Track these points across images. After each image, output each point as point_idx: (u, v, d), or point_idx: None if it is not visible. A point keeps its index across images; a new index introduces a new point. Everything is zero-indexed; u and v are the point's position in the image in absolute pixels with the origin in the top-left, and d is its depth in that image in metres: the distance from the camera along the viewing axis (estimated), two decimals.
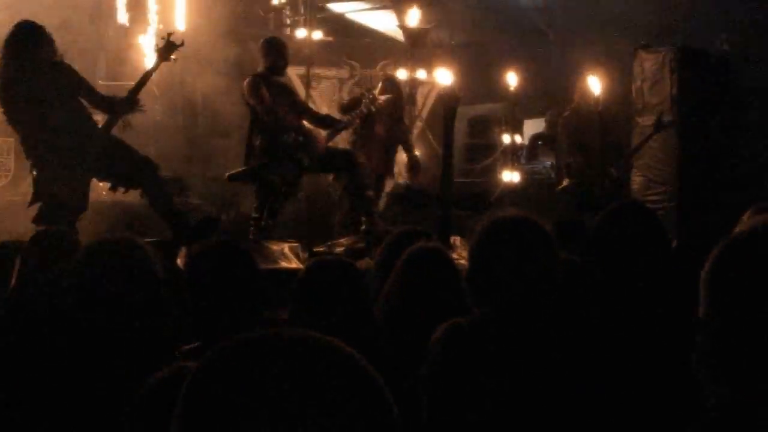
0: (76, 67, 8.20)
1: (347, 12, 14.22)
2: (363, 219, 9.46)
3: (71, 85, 7.95)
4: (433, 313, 3.65)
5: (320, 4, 13.78)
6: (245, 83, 9.34)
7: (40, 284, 4.30)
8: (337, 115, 10.19)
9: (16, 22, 7.98)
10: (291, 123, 9.34)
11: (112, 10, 12.35)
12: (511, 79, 11.95)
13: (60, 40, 8.17)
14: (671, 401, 3.09)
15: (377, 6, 14.04)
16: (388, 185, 10.67)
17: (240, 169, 9.45)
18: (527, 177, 12.85)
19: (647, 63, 12.41)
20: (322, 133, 9.66)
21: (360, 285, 3.88)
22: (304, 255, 8.85)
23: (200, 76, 11.68)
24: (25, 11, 8.90)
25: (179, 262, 7.37)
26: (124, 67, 11.52)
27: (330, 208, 10.85)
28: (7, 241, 7.08)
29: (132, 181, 8.13)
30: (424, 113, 13.09)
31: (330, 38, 13.38)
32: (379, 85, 9.90)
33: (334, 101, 11.86)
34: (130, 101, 8.09)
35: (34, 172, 7.94)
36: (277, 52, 9.43)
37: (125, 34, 12.32)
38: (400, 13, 12.82)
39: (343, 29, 13.93)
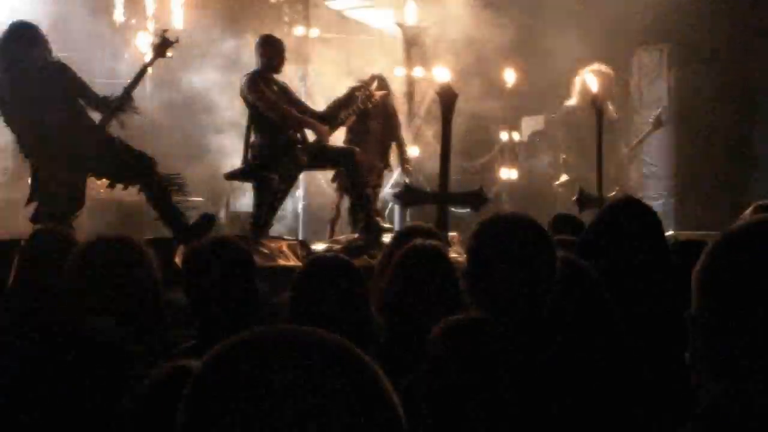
0: (73, 65, 8.19)
1: (345, 9, 14.20)
2: (361, 216, 9.45)
3: (67, 84, 7.94)
4: (430, 310, 3.65)
5: (317, 2, 13.77)
6: (243, 81, 9.33)
7: (37, 282, 4.30)
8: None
9: (10, 23, 7.97)
10: (290, 118, 9.34)
11: (109, 8, 12.34)
12: (509, 76, 11.95)
13: (57, 38, 8.16)
14: (669, 398, 3.09)
15: (375, 3, 14.03)
16: (389, 178, 10.65)
17: (237, 168, 9.45)
18: (525, 174, 12.86)
19: (645, 60, 12.43)
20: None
21: (358, 282, 3.88)
22: (302, 253, 8.85)
23: (197, 73, 11.67)
24: (23, 9, 8.90)
25: (177, 260, 7.37)
26: (122, 64, 11.52)
27: (328, 205, 10.85)
28: (6, 240, 7.10)
29: (130, 179, 8.13)
30: (422, 111, 13.08)
31: (328, 35, 13.37)
32: (375, 83, 9.90)
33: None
34: (125, 98, 8.09)
35: (31, 172, 7.94)
36: (274, 50, 9.42)
37: (122, 31, 12.31)
38: (397, 11, 12.82)
39: (340, 26, 13.91)
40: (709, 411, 1.81)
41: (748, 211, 5.91)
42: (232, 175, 9.58)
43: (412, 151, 11.71)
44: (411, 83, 12.39)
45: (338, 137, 10.20)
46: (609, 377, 3.15)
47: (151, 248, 3.54)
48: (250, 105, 9.32)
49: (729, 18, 11.83)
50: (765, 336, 1.76)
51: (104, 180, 8.35)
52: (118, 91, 8.21)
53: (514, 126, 13.28)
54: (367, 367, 1.27)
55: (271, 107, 9.19)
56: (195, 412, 1.26)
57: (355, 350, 1.28)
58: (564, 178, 12.09)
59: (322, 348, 1.26)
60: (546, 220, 5.37)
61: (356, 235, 9.44)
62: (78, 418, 3.14)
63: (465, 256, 3.30)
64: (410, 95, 12.39)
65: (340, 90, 10.11)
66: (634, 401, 3.16)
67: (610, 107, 12.08)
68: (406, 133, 11.59)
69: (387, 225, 9.49)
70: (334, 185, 10.35)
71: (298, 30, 13.17)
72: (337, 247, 9.12)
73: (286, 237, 9.35)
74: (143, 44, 11.51)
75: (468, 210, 8.76)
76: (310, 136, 9.57)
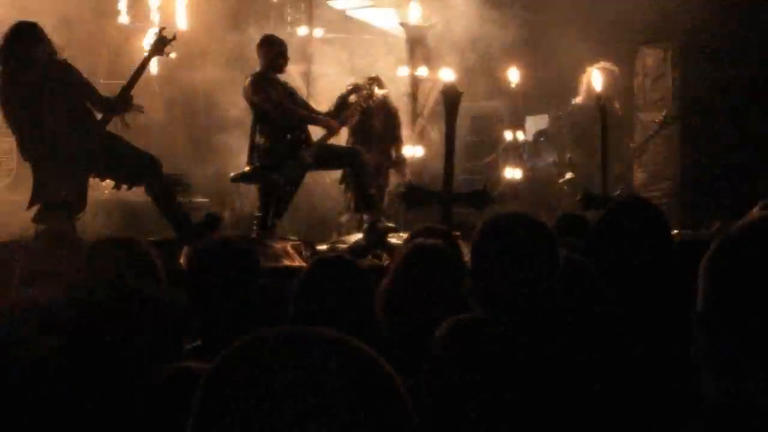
0: (78, 65, 8.20)
1: (348, 9, 14.20)
2: (365, 217, 9.45)
3: (72, 83, 7.95)
4: (432, 310, 3.65)
5: (320, 2, 13.77)
6: (247, 83, 9.33)
7: (42, 284, 4.30)
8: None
9: (12, 23, 7.98)
10: (297, 117, 9.34)
11: (113, 8, 12.35)
12: (513, 75, 11.94)
13: (61, 38, 8.17)
14: (672, 397, 3.09)
15: (378, 3, 14.02)
16: (393, 177, 10.63)
17: (242, 171, 9.45)
18: (530, 174, 12.85)
19: (649, 59, 12.42)
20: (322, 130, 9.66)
21: (362, 282, 3.87)
22: (306, 253, 8.85)
23: (201, 73, 11.68)
24: (28, 8, 8.91)
25: (181, 260, 7.37)
26: (125, 65, 11.52)
27: (333, 206, 10.84)
28: (10, 241, 7.10)
29: (135, 179, 8.14)
30: (426, 111, 13.08)
31: (330, 35, 13.37)
32: (374, 85, 9.91)
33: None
34: (123, 98, 8.08)
35: (33, 173, 7.95)
36: (276, 50, 9.42)
37: (126, 31, 12.32)
38: (400, 11, 12.82)
39: (343, 27, 13.91)
40: (712, 410, 1.81)
41: (755, 209, 5.91)
42: (237, 179, 9.59)
43: (417, 150, 11.70)
44: (415, 83, 12.38)
45: (341, 138, 10.20)
46: (611, 376, 3.14)
47: (156, 249, 3.55)
48: (255, 106, 9.32)
49: (733, 16, 11.81)
50: None
51: (109, 181, 8.36)
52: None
53: (518, 125, 13.27)
54: (380, 366, 1.27)
55: (276, 108, 9.19)
56: (206, 414, 1.26)
57: (368, 350, 1.28)
58: (569, 175, 12.09)
59: (334, 348, 1.26)
60: (550, 220, 5.36)
61: (361, 236, 9.44)
62: (84, 417, 3.14)
63: (468, 256, 3.30)
64: (414, 95, 12.38)
65: (343, 90, 10.10)
66: (636, 400, 3.16)
67: (616, 105, 12.08)
68: (410, 133, 11.59)
69: (391, 225, 9.48)
70: (342, 187, 10.34)
71: (301, 30, 13.16)
72: (341, 247, 9.12)
73: (290, 237, 9.34)
74: (147, 45, 11.52)
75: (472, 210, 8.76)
76: (314, 135, 9.57)
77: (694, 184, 11.93)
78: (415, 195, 8.69)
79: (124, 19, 12.43)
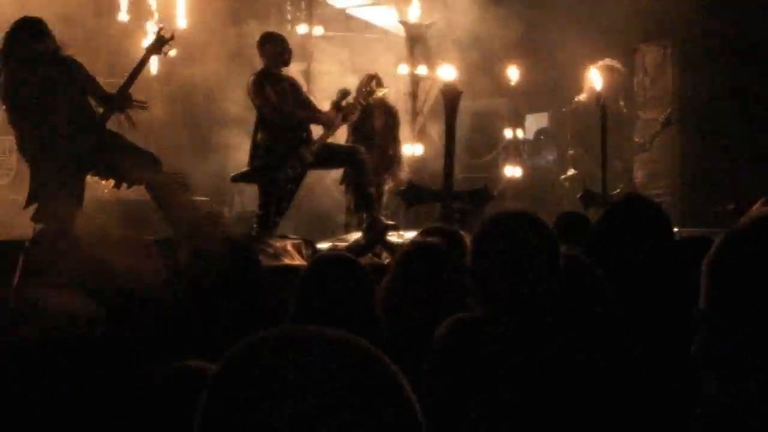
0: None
1: (348, 7, 14.21)
2: (365, 215, 9.45)
3: (76, 79, 7.94)
4: (432, 308, 3.65)
5: (321, 0, 13.77)
6: (249, 82, 9.33)
7: (43, 282, 4.30)
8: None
9: (20, 18, 7.98)
10: (296, 119, 9.33)
11: (113, 6, 12.34)
12: (513, 73, 11.94)
13: (61, 36, 8.16)
14: (673, 396, 3.09)
15: (378, 1, 14.02)
16: (393, 178, 10.61)
17: (243, 170, 9.45)
18: (530, 172, 12.85)
19: (649, 57, 12.42)
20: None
21: (363, 281, 3.87)
22: (307, 252, 8.84)
23: (201, 71, 11.67)
24: (29, 6, 8.90)
25: (181, 259, 7.36)
26: (125, 63, 11.51)
27: (333, 204, 10.84)
28: (10, 240, 7.11)
29: (135, 178, 8.14)
30: (426, 109, 13.08)
31: (330, 34, 13.37)
32: (373, 82, 9.90)
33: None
34: (122, 96, 8.08)
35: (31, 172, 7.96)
36: (277, 46, 9.41)
37: (126, 29, 12.31)
38: (400, 9, 12.81)
39: (343, 25, 13.91)
40: (712, 408, 1.81)
41: (756, 205, 5.91)
42: (238, 178, 9.58)
43: (416, 149, 11.71)
44: (414, 81, 12.38)
45: (340, 136, 10.19)
46: (611, 376, 3.14)
47: (157, 248, 3.55)
48: (256, 107, 9.34)
49: (733, 14, 11.80)
50: None
51: (110, 180, 8.35)
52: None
53: (518, 123, 13.27)
54: (386, 366, 1.27)
55: (274, 111, 9.19)
56: (213, 414, 1.26)
57: (373, 349, 1.28)
58: (571, 172, 12.10)
59: (340, 348, 1.27)
60: (550, 218, 5.36)
61: (361, 234, 9.43)
62: (85, 415, 3.14)
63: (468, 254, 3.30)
64: (414, 93, 12.38)
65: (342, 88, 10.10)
66: (636, 400, 3.16)
67: (621, 102, 12.08)
68: (410, 132, 11.59)
69: (391, 222, 9.48)
70: (342, 187, 10.34)
71: (301, 28, 13.17)
72: (341, 245, 9.12)
73: (291, 236, 9.34)
74: (147, 44, 11.52)
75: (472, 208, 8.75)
76: (315, 134, 9.56)
77: (694, 182, 11.94)
78: (415, 193, 8.69)
79: (123, 17, 12.42)
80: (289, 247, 8.87)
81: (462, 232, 5.12)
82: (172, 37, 8.39)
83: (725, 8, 11.75)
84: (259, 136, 9.36)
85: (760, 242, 1.81)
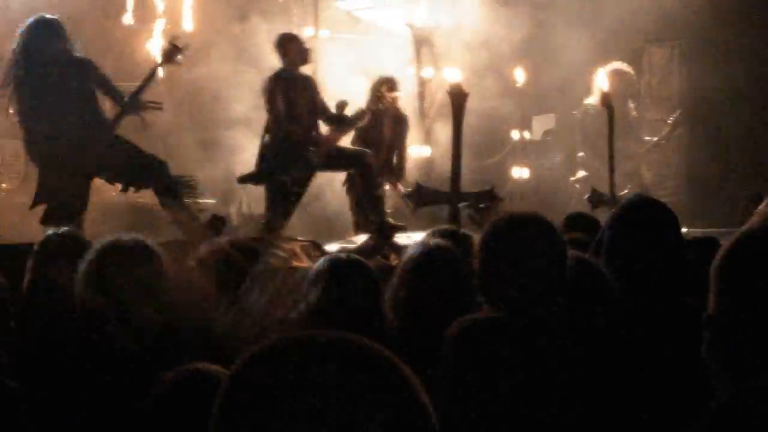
0: None
1: (354, 9, 14.20)
2: (374, 217, 9.44)
3: (88, 81, 7.95)
4: (440, 309, 3.65)
5: (327, 2, 13.78)
6: (264, 84, 9.35)
7: (51, 285, 4.31)
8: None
9: (36, 17, 7.97)
10: (304, 122, 9.32)
11: (119, 8, 12.36)
12: (520, 75, 11.93)
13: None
14: (683, 396, 3.08)
15: (384, 3, 14.02)
16: (393, 186, 10.59)
17: (250, 172, 9.45)
18: (537, 173, 12.84)
19: (656, 57, 12.41)
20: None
21: (372, 283, 3.88)
22: (315, 254, 8.84)
23: (207, 73, 11.69)
24: (36, 8, 8.91)
25: (190, 262, 7.36)
26: (131, 65, 11.53)
27: (341, 206, 10.83)
28: (19, 243, 7.11)
29: (143, 182, 8.15)
30: (433, 110, 13.07)
31: (337, 36, 13.37)
32: (384, 87, 9.90)
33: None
34: (135, 101, 8.10)
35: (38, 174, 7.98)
36: (291, 47, 9.40)
37: (132, 32, 12.33)
38: (407, 11, 12.81)
39: (350, 27, 13.91)
40: (722, 410, 1.81)
41: (762, 205, 5.90)
42: (245, 179, 9.58)
43: (424, 150, 11.70)
44: (421, 83, 12.37)
45: (346, 138, 10.19)
46: (620, 375, 3.14)
47: (165, 250, 3.55)
48: (266, 110, 9.37)
49: (739, 13, 11.80)
50: None
51: (117, 184, 8.36)
52: (128, 94, 8.24)
53: (525, 125, 13.26)
54: (398, 368, 1.28)
55: (276, 119, 9.22)
56: (229, 418, 1.26)
57: (386, 352, 1.28)
58: (581, 174, 12.09)
59: (355, 352, 1.27)
60: (558, 219, 5.36)
61: (369, 236, 9.43)
62: (93, 416, 3.14)
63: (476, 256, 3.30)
64: (421, 95, 12.38)
65: (350, 90, 10.10)
66: (646, 400, 3.16)
67: (630, 105, 12.06)
68: (417, 133, 11.58)
69: (399, 224, 9.47)
70: (345, 188, 10.35)
71: (308, 30, 13.16)
72: (349, 247, 9.11)
73: (298, 238, 9.34)
74: (153, 46, 11.52)
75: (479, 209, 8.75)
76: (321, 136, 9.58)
77: (701, 183, 11.92)
78: (423, 195, 8.68)
79: (129, 19, 12.44)
80: (297, 249, 8.86)
81: (472, 234, 5.13)
82: (185, 48, 8.40)
83: (732, 8, 11.74)
84: (267, 137, 9.37)
85: (766, 249, 1.81)
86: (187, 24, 12.21)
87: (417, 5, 12.38)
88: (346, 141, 10.19)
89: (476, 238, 5.30)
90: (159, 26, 11.97)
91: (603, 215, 6.05)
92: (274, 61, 9.65)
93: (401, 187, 10.31)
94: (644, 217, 3.62)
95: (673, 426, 3.11)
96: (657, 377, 3.22)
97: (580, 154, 12.43)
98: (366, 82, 10.19)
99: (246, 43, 11.90)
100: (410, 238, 8.68)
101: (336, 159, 9.55)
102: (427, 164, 11.54)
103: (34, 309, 4.25)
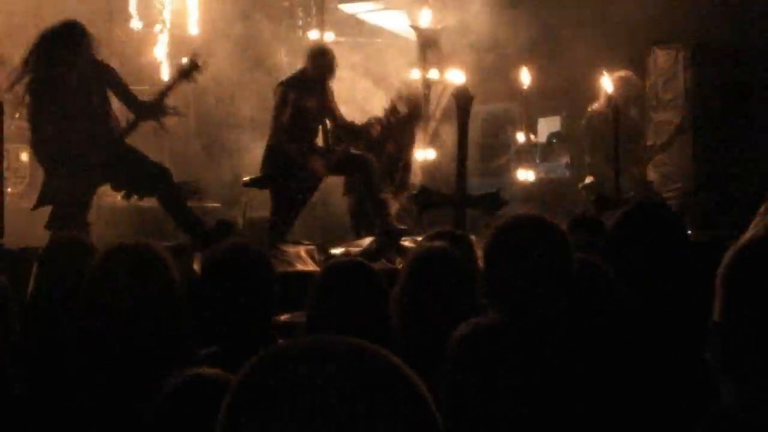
0: None
1: (359, 13, 14.22)
2: (378, 221, 9.44)
3: (104, 86, 7.95)
4: (443, 313, 3.65)
5: (332, 6, 13.79)
6: (274, 90, 9.38)
7: (57, 289, 4.31)
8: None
9: (60, 22, 7.97)
10: (290, 153, 9.30)
11: (124, 12, 12.37)
12: (525, 77, 11.93)
13: None
14: (690, 401, 3.08)
15: (389, 6, 14.04)
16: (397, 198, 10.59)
17: (256, 176, 9.46)
18: (542, 176, 12.84)
19: (661, 59, 12.39)
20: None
21: (377, 287, 3.87)
22: (320, 258, 8.84)
23: (213, 77, 11.70)
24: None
25: (195, 266, 7.38)
26: (136, 69, 11.54)
27: (346, 209, 10.84)
28: (25, 247, 7.12)
29: (146, 190, 8.15)
30: (438, 113, 13.07)
31: (342, 39, 13.38)
32: (396, 94, 9.94)
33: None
34: (152, 110, 8.12)
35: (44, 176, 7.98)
36: (325, 62, 9.40)
37: (137, 36, 12.34)
38: (412, 13, 12.82)
39: (355, 30, 13.93)
40: (728, 417, 1.81)
41: (761, 208, 5.89)
42: (250, 183, 9.59)
43: (429, 153, 11.70)
44: (427, 85, 12.37)
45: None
46: (625, 379, 3.14)
47: (172, 255, 3.55)
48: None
49: (745, 16, 11.78)
50: None
51: (120, 191, 8.37)
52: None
53: (530, 127, 13.26)
54: (403, 372, 1.27)
55: (278, 128, 9.23)
56: (234, 424, 1.26)
57: (392, 357, 1.28)
58: (589, 179, 12.08)
59: (359, 356, 1.27)
60: (564, 222, 5.35)
61: (373, 240, 9.43)
62: (96, 422, 3.14)
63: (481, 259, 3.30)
64: (426, 97, 12.37)
65: (355, 93, 10.11)
66: (652, 404, 3.15)
67: (632, 111, 12.05)
68: (422, 136, 11.58)
69: (404, 228, 9.47)
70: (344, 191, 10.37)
71: (312, 33, 13.17)
72: (354, 251, 9.11)
73: (304, 242, 9.34)
74: (160, 51, 11.55)
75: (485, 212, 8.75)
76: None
77: (707, 186, 11.90)
78: (428, 198, 8.68)
79: (136, 24, 12.45)
80: (302, 253, 8.87)
81: (470, 235, 5.13)
82: (203, 67, 8.40)
83: (738, 11, 11.73)
84: (273, 140, 9.38)
85: None
86: (193, 28, 12.22)
87: (422, 7, 12.37)
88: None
89: (476, 239, 5.31)
90: (164, 30, 11.99)
91: (609, 218, 6.04)
92: (278, 64, 9.66)
93: (399, 202, 10.31)
94: (650, 220, 3.62)
95: (680, 428, 3.11)
96: (662, 381, 3.22)
97: (588, 159, 12.42)
98: (369, 85, 10.19)
99: (251, 47, 11.90)
100: (415, 242, 8.69)
101: (340, 163, 9.55)
102: (433, 167, 11.54)
103: (38, 313, 4.25)
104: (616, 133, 9.28)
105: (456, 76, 8.72)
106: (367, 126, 9.76)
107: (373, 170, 9.49)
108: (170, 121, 8.49)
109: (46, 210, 7.93)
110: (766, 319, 1.77)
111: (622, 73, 11.87)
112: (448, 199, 8.41)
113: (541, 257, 3.08)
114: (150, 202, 8.66)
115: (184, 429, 2.36)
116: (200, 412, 2.09)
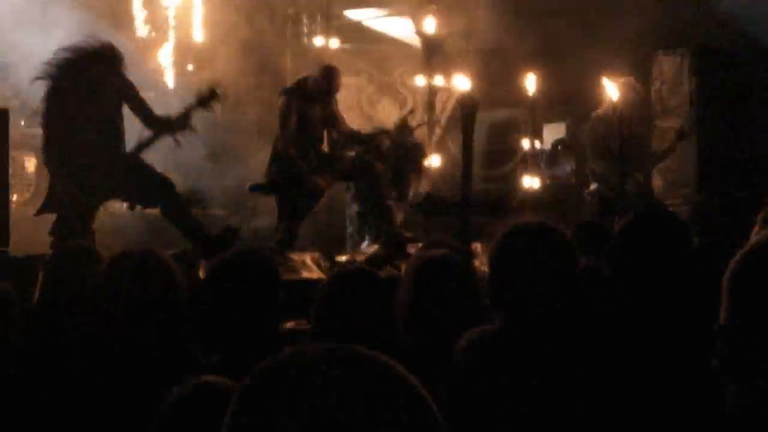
0: None
1: (364, 19, 14.23)
2: (383, 228, 9.45)
3: (119, 98, 7.97)
4: (446, 321, 3.65)
5: (337, 12, 13.80)
6: (280, 98, 9.40)
7: (62, 296, 4.32)
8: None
9: (102, 41, 7.99)
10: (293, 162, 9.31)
11: (130, 21, 12.40)
12: (530, 83, 11.93)
13: None
14: (693, 407, 3.07)
15: (394, 13, 14.05)
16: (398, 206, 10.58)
17: (260, 182, 9.47)
18: (548, 182, 12.82)
19: (666, 66, 12.39)
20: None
21: (382, 294, 3.87)
22: (325, 265, 8.84)
23: (218, 84, 11.71)
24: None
25: (201, 274, 7.38)
26: (142, 77, 11.55)
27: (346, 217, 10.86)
28: (30, 255, 7.13)
29: (150, 201, 8.17)
30: (443, 119, 13.08)
31: (347, 46, 13.39)
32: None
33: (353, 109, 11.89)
34: (171, 126, 8.14)
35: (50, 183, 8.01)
36: (334, 82, 9.43)
37: (143, 44, 12.36)
38: (417, 20, 12.83)
39: (360, 36, 13.94)
40: (734, 421, 1.81)
41: (760, 216, 5.88)
42: (256, 188, 9.60)
43: (434, 160, 11.71)
44: (432, 92, 12.38)
45: None
46: (630, 385, 3.13)
47: (177, 262, 3.56)
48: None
49: (749, 22, 11.78)
50: None
51: (124, 202, 8.40)
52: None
53: (536, 134, 13.24)
54: (408, 381, 1.28)
55: (283, 135, 9.25)
56: (241, 429, 1.26)
57: (396, 365, 1.29)
58: (594, 186, 12.07)
59: (365, 365, 1.27)
60: (569, 229, 5.35)
61: (379, 247, 9.43)
62: (101, 430, 3.14)
63: (486, 265, 3.30)
64: (431, 104, 12.38)
65: (360, 99, 10.13)
66: (657, 410, 3.15)
67: (639, 116, 12.04)
68: (427, 143, 11.59)
69: (410, 235, 9.48)
70: (348, 195, 10.38)
71: (318, 40, 13.19)
72: (360, 258, 9.12)
73: (309, 249, 9.35)
74: (164, 59, 11.57)
75: (491, 219, 8.75)
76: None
77: (711, 191, 11.89)
78: (433, 205, 8.68)
79: (142, 32, 12.47)
80: (308, 261, 8.88)
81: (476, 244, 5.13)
82: (222, 96, 8.43)
83: (741, 17, 11.73)
84: (279, 147, 9.39)
85: None
86: (197, 34, 12.24)
87: (427, 14, 12.38)
88: None
89: (480, 246, 5.31)
90: (170, 37, 12.01)
91: (613, 225, 6.04)
92: (284, 70, 9.68)
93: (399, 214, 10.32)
94: (654, 226, 3.62)
95: None
96: (667, 387, 3.21)
97: (592, 166, 12.41)
98: (374, 91, 10.20)
99: (256, 53, 11.92)
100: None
101: (344, 171, 9.57)
102: (438, 174, 11.54)
103: (44, 320, 4.26)
104: (621, 140, 9.28)
105: (461, 83, 8.72)
106: (378, 139, 9.77)
107: (379, 176, 9.51)
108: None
109: (51, 218, 7.94)
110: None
111: (624, 80, 11.87)
112: (453, 206, 8.41)
113: (545, 263, 3.08)
114: (155, 210, 8.67)
115: None
116: (206, 418, 2.09)
